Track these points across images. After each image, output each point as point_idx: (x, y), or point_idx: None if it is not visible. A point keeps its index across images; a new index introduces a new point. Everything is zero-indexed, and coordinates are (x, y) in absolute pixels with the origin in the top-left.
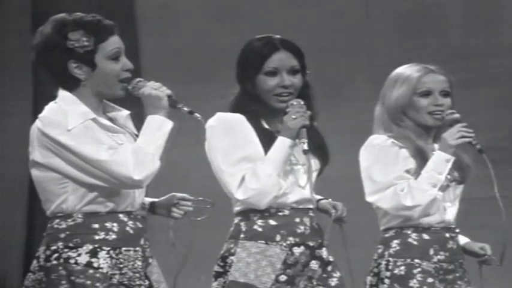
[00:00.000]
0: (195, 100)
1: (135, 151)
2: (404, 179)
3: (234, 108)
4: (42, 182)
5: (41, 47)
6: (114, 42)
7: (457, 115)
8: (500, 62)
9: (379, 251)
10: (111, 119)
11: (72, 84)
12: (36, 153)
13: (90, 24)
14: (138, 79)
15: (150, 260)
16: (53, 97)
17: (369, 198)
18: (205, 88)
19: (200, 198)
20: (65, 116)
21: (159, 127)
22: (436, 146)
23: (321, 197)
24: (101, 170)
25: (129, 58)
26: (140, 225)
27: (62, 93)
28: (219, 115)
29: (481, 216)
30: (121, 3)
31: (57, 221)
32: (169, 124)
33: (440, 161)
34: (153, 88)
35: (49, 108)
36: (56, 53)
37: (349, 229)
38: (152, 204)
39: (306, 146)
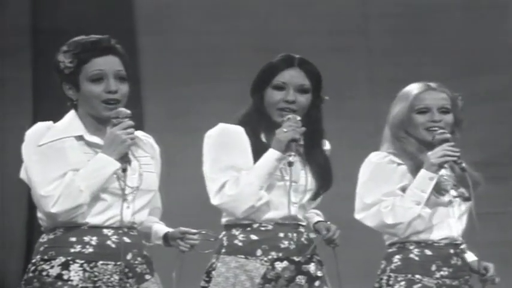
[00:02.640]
0: (194, 100)
1: (68, 183)
2: (392, 196)
3: (240, 121)
4: (33, 197)
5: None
6: (96, 64)
7: (447, 135)
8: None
9: (382, 266)
10: None
11: (72, 104)
12: (22, 169)
13: (77, 45)
14: (121, 111)
15: (148, 277)
16: (53, 98)
17: (357, 216)
18: (204, 88)
19: (203, 232)
20: (44, 133)
21: (102, 167)
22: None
23: (321, 219)
24: (35, 197)
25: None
26: (128, 241)
27: (69, 112)
28: (219, 126)
29: (487, 232)
30: (120, 2)
31: (43, 235)
32: (114, 166)
33: (424, 179)
34: (122, 128)
35: (35, 125)
36: (56, 76)
37: (349, 228)
38: (165, 235)
39: (291, 159)
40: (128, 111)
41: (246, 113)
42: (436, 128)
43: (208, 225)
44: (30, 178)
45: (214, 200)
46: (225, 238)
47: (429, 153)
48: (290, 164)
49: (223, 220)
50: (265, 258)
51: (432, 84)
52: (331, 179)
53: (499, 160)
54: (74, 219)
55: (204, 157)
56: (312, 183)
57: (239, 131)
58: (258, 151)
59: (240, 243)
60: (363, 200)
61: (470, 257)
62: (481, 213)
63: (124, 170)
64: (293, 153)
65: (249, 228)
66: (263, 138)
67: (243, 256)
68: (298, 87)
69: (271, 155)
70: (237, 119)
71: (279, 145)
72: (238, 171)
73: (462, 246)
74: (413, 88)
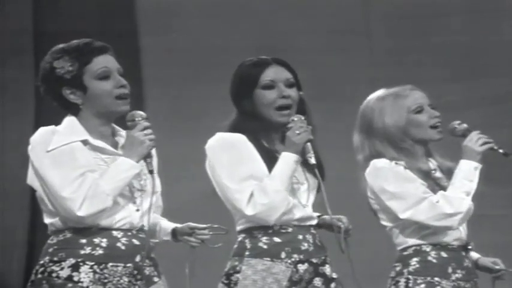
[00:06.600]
0: (196, 99)
1: (92, 187)
2: (429, 193)
3: (233, 129)
4: (39, 202)
5: (40, 80)
6: (100, 62)
7: (465, 124)
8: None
9: (398, 269)
10: (117, 142)
11: (74, 110)
12: (29, 174)
13: (73, 49)
14: (136, 113)
15: (156, 279)
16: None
17: (403, 215)
18: (206, 88)
19: (215, 226)
20: (50, 138)
21: (125, 170)
22: (430, 164)
23: (319, 214)
24: (55, 200)
25: (129, 57)
26: (137, 243)
27: (66, 118)
28: (219, 135)
29: (487, 234)
30: (122, 3)
31: (51, 237)
32: (136, 169)
33: (469, 169)
34: (140, 129)
35: (39, 130)
36: (50, 84)
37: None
38: (173, 231)
39: (313, 160)
40: (143, 113)
41: (237, 120)
42: (439, 124)
43: (213, 222)
44: (47, 183)
45: (248, 211)
46: (246, 241)
47: (465, 143)
48: (314, 166)
49: (241, 226)
50: (289, 261)
51: (407, 86)
52: (324, 171)
53: (499, 162)
54: (97, 222)
55: (216, 169)
56: (314, 181)
57: (243, 138)
58: (266, 157)
59: (265, 246)
60: (403, 198)
61: (474, 255)
62: (481, 215)
63: (151, 172)
64: (313, 154)
65: (270, 231)
66: (265, 143)
67: (268, 259)
68: (285, 81)
69: (290, 158)
70: (229, 128)
71: (296, 147)
72: (256, 179)
73: (470, 247)
74: (398, 91)
